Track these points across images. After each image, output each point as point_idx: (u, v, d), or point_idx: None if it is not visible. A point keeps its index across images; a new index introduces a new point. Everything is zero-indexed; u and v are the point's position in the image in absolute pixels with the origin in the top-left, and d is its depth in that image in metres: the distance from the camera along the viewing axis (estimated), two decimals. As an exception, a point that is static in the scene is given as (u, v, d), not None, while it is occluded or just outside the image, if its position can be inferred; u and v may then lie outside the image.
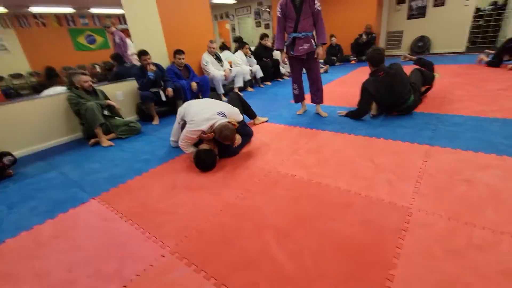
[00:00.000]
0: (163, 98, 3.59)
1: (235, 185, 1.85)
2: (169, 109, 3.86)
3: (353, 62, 7.41)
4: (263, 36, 5.44)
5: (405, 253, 1.16)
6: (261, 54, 5.44)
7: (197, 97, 4.26)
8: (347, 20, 7.60)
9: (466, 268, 1.07)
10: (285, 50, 2.94)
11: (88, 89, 2.99)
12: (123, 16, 3.58)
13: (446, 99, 3.20)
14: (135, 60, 3.74)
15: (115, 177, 2.13)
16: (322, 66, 6.61)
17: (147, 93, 3.46)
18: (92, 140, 2.92)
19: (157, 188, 1.92)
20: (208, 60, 4.41)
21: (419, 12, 7.71)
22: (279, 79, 5.87)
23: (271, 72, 5.57)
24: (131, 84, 3.71)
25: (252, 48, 5.48)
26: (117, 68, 3.90)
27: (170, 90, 3.54)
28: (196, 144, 2.23)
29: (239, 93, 4.05)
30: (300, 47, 2.79)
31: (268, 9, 10.61)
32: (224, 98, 4.51)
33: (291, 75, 3.15)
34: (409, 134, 2.35)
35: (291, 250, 1.24)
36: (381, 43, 8.28)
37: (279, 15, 2.80)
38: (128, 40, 3.85)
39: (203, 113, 2.15)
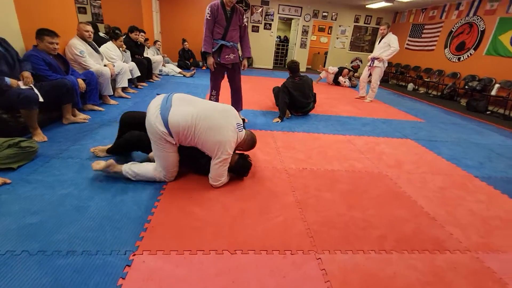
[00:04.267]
0: (40, 98, 2.31)
1: (276, 187, 1.94)
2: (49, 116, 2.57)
3: (203, 68, 7.99)
4: (133, 28, 4.70)
5: (415, 196, 2.01)
6: (132, 49, 4.68)
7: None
8: (195, 27, 8.05)
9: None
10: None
11: None
12: None
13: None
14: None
15: (116, 221, 1.43)
16: (187, 70, 6.63)
17: (30, 91, 2.15)
18: None
19: (208, 213, 1.57)
20: (83, 50, 3.25)
21: (243, 33, 9.61)
22: (151, 80, 5.31)
23: (146, 72, 4.94)
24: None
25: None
26: None
27: (82, 82, 2.40)
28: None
29: None
30: (227, 56, 2.93)
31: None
32: (112, 101, 3.57)
33: (212, 82, 3.14)
34: (324, 128, 3.39)
35: (376, 215, 1.72)
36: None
37: (209, 17, 2.77)
38: None
39: (228, 130, 1.70)
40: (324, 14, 9.62)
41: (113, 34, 4.15)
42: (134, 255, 1.22)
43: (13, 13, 2.55)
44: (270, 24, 9.59)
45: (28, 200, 1.51)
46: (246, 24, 2.99)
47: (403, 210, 1.80)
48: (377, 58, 5.05)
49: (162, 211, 1.54)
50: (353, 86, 7.07)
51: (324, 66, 9.02)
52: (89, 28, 3.33)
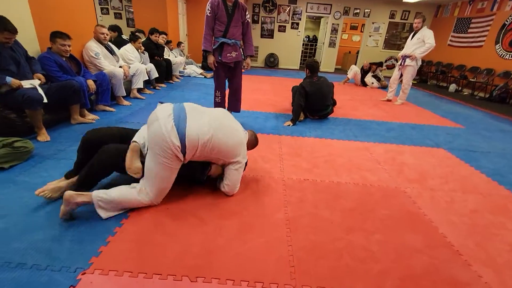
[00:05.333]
0: (44, 99, 2.35)
1: (268, 199, 1.72)
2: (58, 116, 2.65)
3: (227, 69, 7.96)
4: (153, 31, 4.78)
5: (438, 220, 1.66)
6: (152, 51, 4.75)
7: (90, 102, 3.18)
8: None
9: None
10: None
11: None
12: None
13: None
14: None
15: (81, 232, 1.33)
16: (209, 71, 6.68)
17: (34, 91, 2.20)
18: None
19: (180, 227, 1.41)
20: (98, 52, 3.33)
21: (268, 34, 9.45)
22: (171, 81, 5.37)
23: (165, 73, 5.00)
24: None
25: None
26: None
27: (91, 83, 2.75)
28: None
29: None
30: (229, 54, 2.76)
31: (119, -4, 9.13)
32: (125, 102, 3.61)
33: (215, 82, 2.97)
34: (340, 134, 3.07)
35: (382, 241, 1.43)
36: (243, 54, 9.42)
37: (209, 14, 2.63)
38: None
39: (242, 132, 1.68)
40: (356, 11, 9.06)
41: (132, 37, 4.24)
42: (84, 273, 1.11)
43: (29, 18, 2.65)
44: (298, 24, 9.28)
45: (3, 203, 1.49)
46: (249, 20, 2.81)
47: (418, 238, 1.48)
48: (409, 56, 4.53)
49: (132, 222, 1.42)
50: (383, 87, 6.48)
51: (355, 65, 8.42)
52: (105, 30, 3.40)
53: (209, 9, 2.63)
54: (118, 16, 9.42)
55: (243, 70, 3.00)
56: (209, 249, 1.29)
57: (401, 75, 4.84)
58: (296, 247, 1.34)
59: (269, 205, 1.66)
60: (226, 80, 3.05)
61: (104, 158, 1.51)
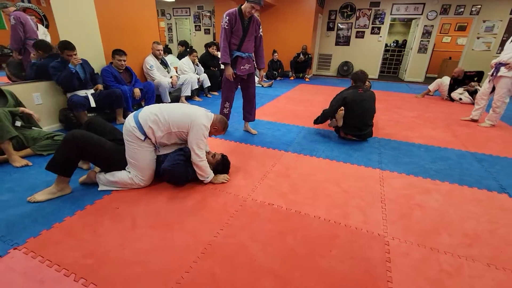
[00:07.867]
0: (92, 104, 2.99)
1: (211, 218, 1.66)
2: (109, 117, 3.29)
3: (291, 78, 7.92)
4: (211, 44, 5.26)
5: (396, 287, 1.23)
6: (208, 62, 5.23)
7: (140, 106, 3.79)
8: (287, 38, 8.06)
9: (447, 297, 1.20)
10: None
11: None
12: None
13: (379, 125, 3.70)
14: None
15: (45, 214, 1.63)
16: (266, 80, 6.84)
17: (79, 98, 2.84)
18: (-2, 158, 2.21)
19: (111, 228, 1.55)
20: (152, 65, 3.95)
21: (344, 40, 8.83)
22: (225, 90, 5.76)
23: (218, 82, 5.41)
24: (54, 84, 2.97)
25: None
26: (42, 60, 2.93)
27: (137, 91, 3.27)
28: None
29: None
30: (242, 67, 2.78)
31: (208, 14, 10.39)
32: (170, 108, 4.12)
33: (225, 93, 2.96)
34: (361, 157, 2.61)
35: (293, 298, 1.16)
36: (314, 64, 9.13)
37: (226, 27, 2.62)
38: (39, 26, 2.97)
39: (195, 110, 1.93)
40: (459, 9, 7.41)
41: (189, 50, 4.80)
42: (16, 248, 1.36)
43: (98, 38, 3.39)
44: (379, 28, 8.32)
45: (22, 181, 1.97)
46: (262, 34, 2.83)
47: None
48: (505, 64, 3.40)
49: (82, 214, 1.64)
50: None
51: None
52: (160, 47, 4.00)
53: (227, 22, 2.65)
54: (207, 32, 10.75)
55: (260, 80, 3.01)
56: (108, 258, 1.34)
57: (494, 89, 3.68)
58: (188, 280, 1.24)
59: (206, 225, 1.60)
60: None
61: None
